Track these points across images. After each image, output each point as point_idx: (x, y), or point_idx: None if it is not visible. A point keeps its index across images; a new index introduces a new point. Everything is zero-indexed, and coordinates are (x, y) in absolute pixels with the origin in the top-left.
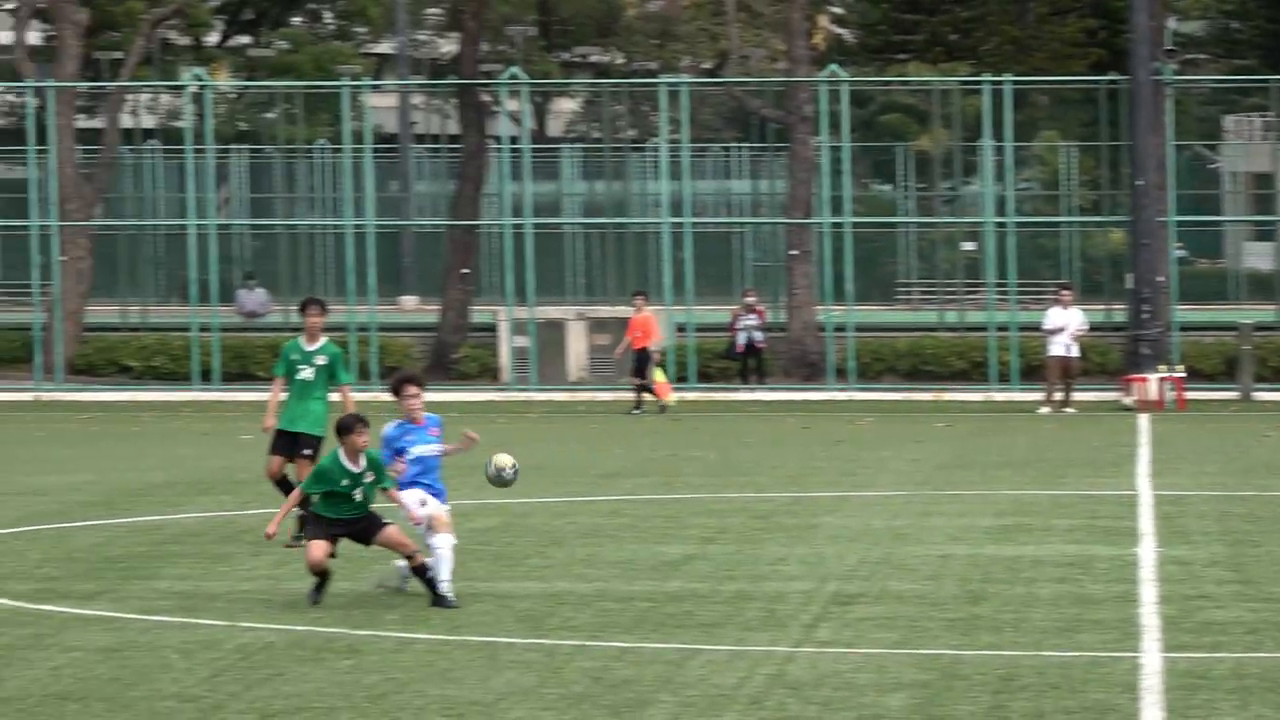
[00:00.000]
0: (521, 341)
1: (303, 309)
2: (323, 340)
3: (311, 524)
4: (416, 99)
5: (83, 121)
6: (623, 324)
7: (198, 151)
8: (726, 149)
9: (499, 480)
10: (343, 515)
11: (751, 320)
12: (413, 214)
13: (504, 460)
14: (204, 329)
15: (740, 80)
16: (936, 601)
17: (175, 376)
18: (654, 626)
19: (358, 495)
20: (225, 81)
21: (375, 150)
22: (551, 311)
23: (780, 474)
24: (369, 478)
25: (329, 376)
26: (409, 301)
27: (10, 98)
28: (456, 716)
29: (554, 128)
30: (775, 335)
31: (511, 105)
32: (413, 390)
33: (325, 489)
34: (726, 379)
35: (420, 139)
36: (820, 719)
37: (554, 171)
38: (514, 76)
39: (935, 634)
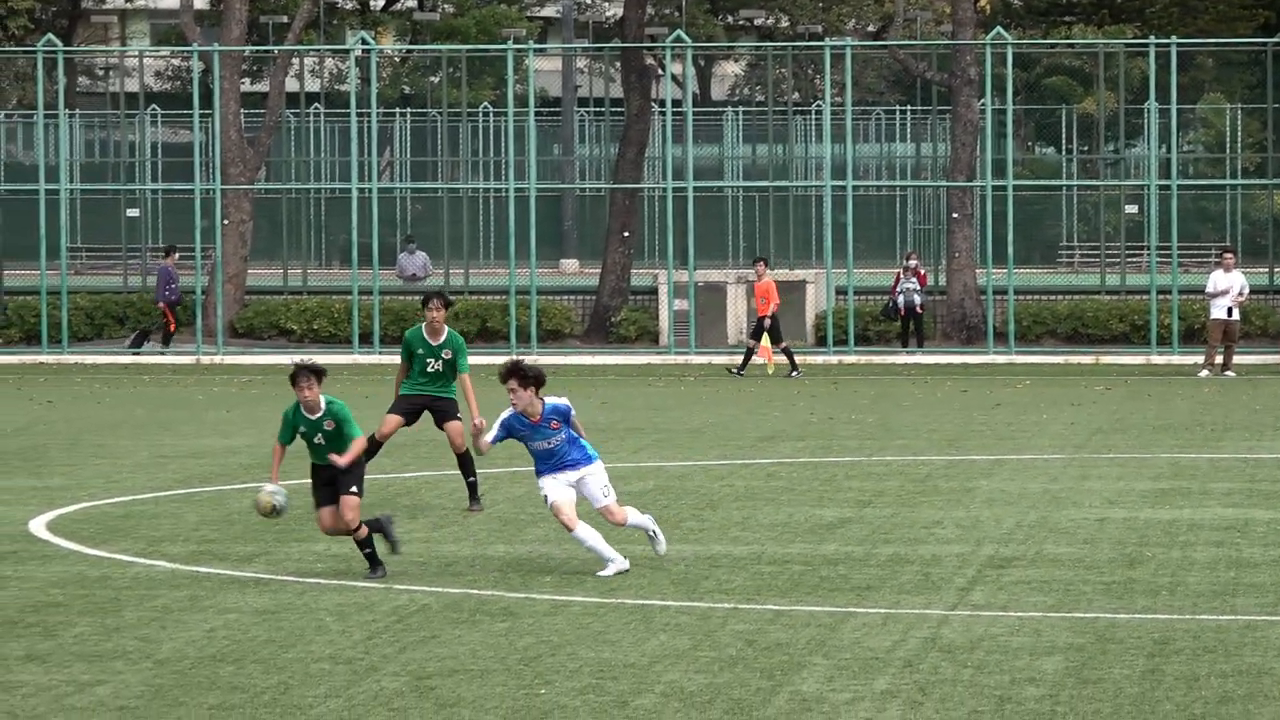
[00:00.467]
0: (681, 305)
1: (425, 303)
2: (446, 332)
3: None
4: (580, 62)
5: (247, 85)
6: (787, 288)
7: (361, 115)
8: (890, 112)
9: (275, 515)
10: (316, 461)
11: (912, 284)
12: (575, 177)
13: (265, 500)
14: (365, 292)
15: (905, 43)
16: (1092, 565)
17: (336, 340)
18: (808, 590)
19: (318, 440)
20: (389, 45)
21: (538, 113)
22: (712, 275)
23: (937, 437)
24: (329, 425)
25: (453, 367)
26: (570, 265)
27: (176, 62)
28: (610, 679)
29: (717, 91)
30: (935, 298)
31: (675, 68)
32: (510, 385)
33: (288, 434)
34: (885, 342)
35: (583, 102)
36: (974, 682)
37: (716, 135)
38: (678, 39)
39: (1091, 598)
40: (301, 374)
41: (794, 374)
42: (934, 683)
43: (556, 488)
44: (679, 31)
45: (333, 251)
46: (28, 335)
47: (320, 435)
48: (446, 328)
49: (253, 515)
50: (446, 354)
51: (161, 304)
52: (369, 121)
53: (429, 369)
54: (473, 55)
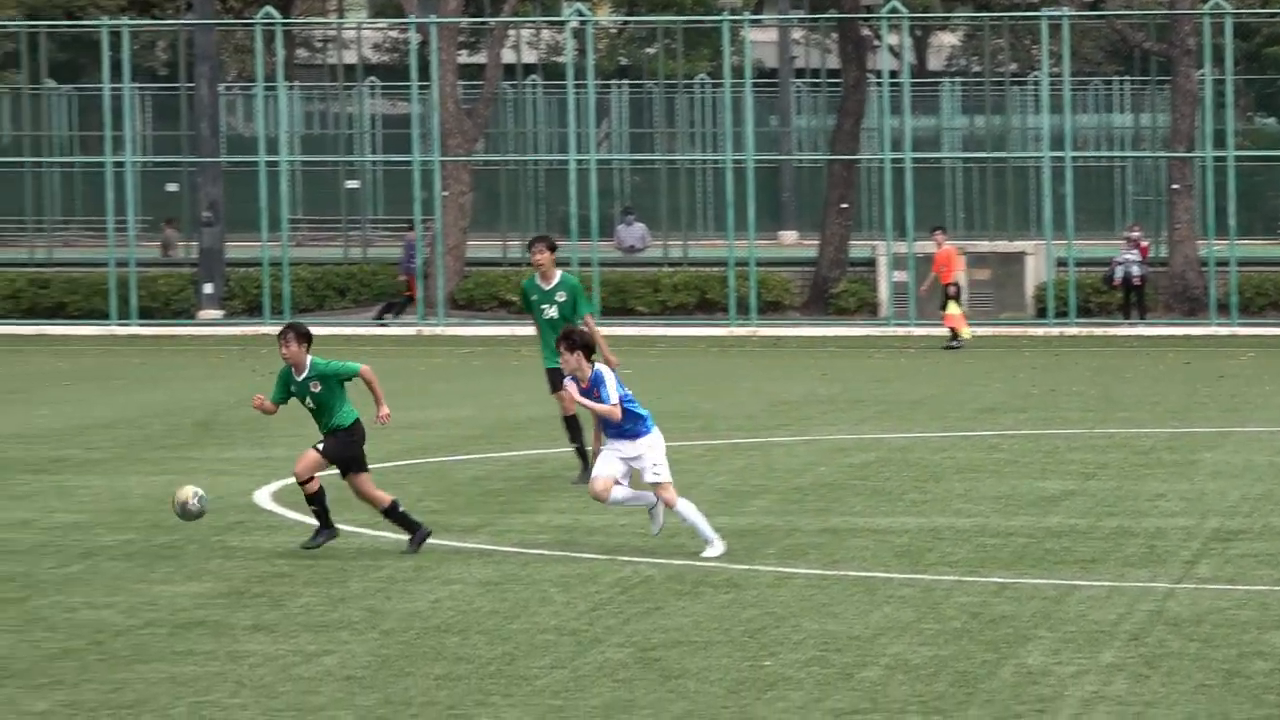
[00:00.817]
0: (900, 276)
1: (530, 246)
2: (558, 275)
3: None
4: (797, 33)
5: (464, 57)
6: (1006, 259)
7: (578, 86)
8: (1108, 82)
9: (186, 516)
10: (319, 427)
11: (1133, 255)
12: (792, 148)
13: (184, 495)
14: (583, 263)
15: (1122, 13)
16: None
17: None
18: (1033, 562)
19: (308, 403)
20: (606, 16)
21: (755, 85)
22: (931, 246)
23: (1161, 409)
24: (315, 387)
25: (573, 310)
26: (788, 236)
27: (394, 34)
28: (834, 651)
29: (934, 61)
30: (1157, 270)
31: (892, 39)
32: (559, 351)
33: (280, 392)
34: (1107, 314)
35: (800, 73)
36: (1201, 655)
37: (934, 105)
38: (894, 10)
39: None
40: (283, 332)
41: (954, 344)
42: (1160, 656)
43: (606, 461)
44: (895, 2)
45: (551, 223)
46: (250, 306)
47: (309, 398)
48: (559, 271)
49: (483, 483)
50: (560, 296)
51: (404, 276)
52: (586, 93)
53: (545, 315)
54: (689, 26)
